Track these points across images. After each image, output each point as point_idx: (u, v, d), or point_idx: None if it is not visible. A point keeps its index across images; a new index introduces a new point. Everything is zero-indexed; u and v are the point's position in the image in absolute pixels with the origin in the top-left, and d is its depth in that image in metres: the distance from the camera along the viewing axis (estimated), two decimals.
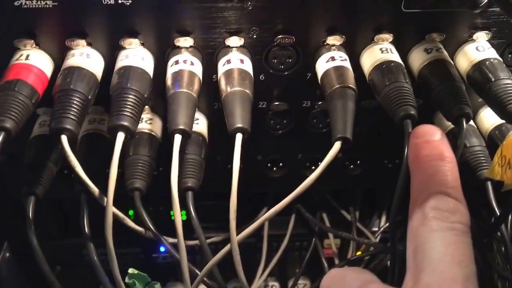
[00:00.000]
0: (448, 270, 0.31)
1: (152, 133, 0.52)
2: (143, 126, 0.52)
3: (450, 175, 0.35)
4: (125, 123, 0.43)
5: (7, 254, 0.66)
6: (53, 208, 0.71)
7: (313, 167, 0.62)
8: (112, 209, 0.42)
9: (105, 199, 0.43)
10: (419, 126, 0.39)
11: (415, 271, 0.32)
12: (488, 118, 0.55)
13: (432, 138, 0.37)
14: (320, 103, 0.55)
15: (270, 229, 0.73)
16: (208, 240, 0.58)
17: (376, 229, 0.76)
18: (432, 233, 0.33)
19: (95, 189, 0.45)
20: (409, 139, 0.39)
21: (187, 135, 0.44)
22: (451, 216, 0.33)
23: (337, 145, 0.43)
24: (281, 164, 0.63)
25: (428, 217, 0.33)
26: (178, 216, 0.43)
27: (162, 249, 0.76)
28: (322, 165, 0.42)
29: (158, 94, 0.50)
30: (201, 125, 0.54)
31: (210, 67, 0.50)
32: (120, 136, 0.43)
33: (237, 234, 0.43)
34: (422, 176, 0.36)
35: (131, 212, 0.67)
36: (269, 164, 0.63)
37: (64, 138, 0.42)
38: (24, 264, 0.68)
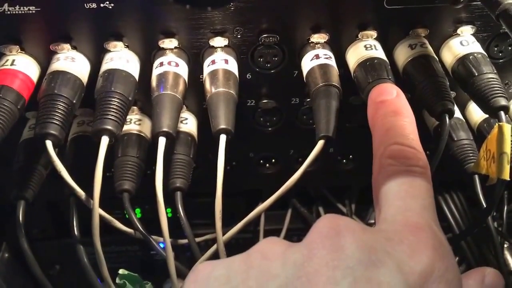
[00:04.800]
0: (402, 203, 0.31)
1: (141, 133, 0.52)
2: (132, 127, 0.52)
3: (407, 128, 0.35)
4: (109, 127, 0.43)
5: (6, 255, 0.66)
6: (50, 208, 0.71)
7: None
8: (98, 212, 0.43)
9: (91, 202, 0.43)
10: (377, 86, 0.40)
11: (378, 215, 0.32)
12: (477, 111, 0.55)
13: (387, 97, 0.38)
14: (308, 99, 0.55)
15: (266, 224, 0.72)
16: (201, 238, 0.58)
17: (372, 221, 0.76)
18: (388, 177, 0.33)
19: (81, 192, 0.45)
20: (368, 100, 0.39)
21: (171, 137, 0.45)
22: (407, 161, 0.33)
23: (320, 144, 0.43)
24: (273, 160, 0.63)
25: (384, 165, 0.33)
26: (163, 216, 0.44)
27: (160, 245, 0.76)
28: (305, 164, 0.42)
29: (147, 95, 0.50)
30: (190, 124, 0.54)
31: (197, 67, 0.50)
32: (104, 140, 0.43)
33: (228, 231, 0.44)
34: (379, 133, 0.36)
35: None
36: (261, 161, 0.63)
37: (48, 144, 0.43)
38: (24, 264, 0.69)
